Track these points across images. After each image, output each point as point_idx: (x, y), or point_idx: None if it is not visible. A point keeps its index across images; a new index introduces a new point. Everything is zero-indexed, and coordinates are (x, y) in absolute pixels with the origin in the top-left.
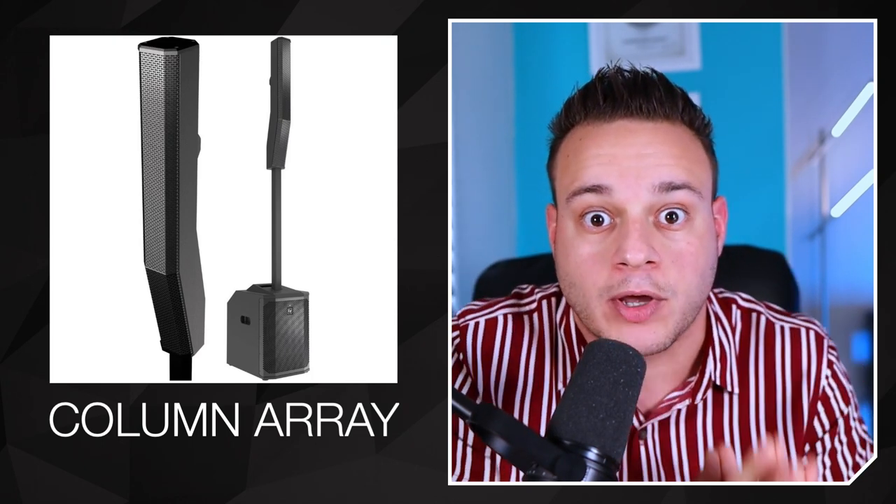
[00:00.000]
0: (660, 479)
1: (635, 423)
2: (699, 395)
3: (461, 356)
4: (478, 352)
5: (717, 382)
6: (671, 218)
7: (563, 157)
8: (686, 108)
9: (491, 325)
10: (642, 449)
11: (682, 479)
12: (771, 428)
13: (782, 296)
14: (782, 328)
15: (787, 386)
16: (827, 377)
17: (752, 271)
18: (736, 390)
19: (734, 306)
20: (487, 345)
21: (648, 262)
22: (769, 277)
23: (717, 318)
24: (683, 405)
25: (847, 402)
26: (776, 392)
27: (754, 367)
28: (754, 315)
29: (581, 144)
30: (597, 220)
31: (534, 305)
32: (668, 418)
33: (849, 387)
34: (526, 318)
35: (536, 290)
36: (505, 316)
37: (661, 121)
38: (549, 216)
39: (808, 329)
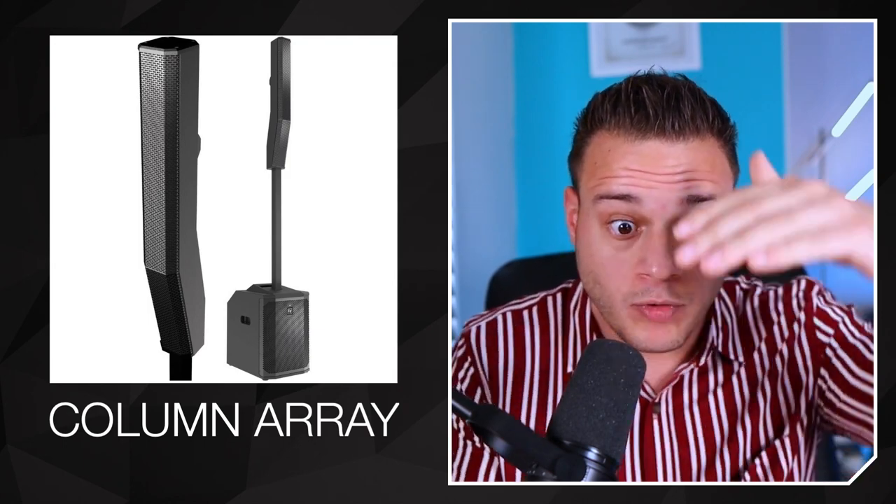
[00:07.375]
0: (673, 456)
1: (648, 395)
2: (703, 358)
3: (469, 360)
4: (483, 350)
5: (720, 349)
6: None
7: (591, 163)
8: (716, 118)
9: (492, 325)
10: (655, 423)
11: (698, 454)
12: (774, 388)
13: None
14: (775, 292)
15: (783, 342)
16: (814, 317)
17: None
18: (741, 359)
19: (737, 287)
20: (492, 343)
21: (672, 275)
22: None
23: (720, 297)
24: (688, 370)
25: (833, 324)
26: (775, 355)
27: (756, 337)
28: (753, 290)
29: (610, 156)
30: (623, 228)
31: (533, 301)
32: (680, 388)
33: (836, 308)
34: (525, 312)
35: (539, 293)
36: (504, 315)
37: (692, 139)
38: (567, 199)
39: (798, 280)
